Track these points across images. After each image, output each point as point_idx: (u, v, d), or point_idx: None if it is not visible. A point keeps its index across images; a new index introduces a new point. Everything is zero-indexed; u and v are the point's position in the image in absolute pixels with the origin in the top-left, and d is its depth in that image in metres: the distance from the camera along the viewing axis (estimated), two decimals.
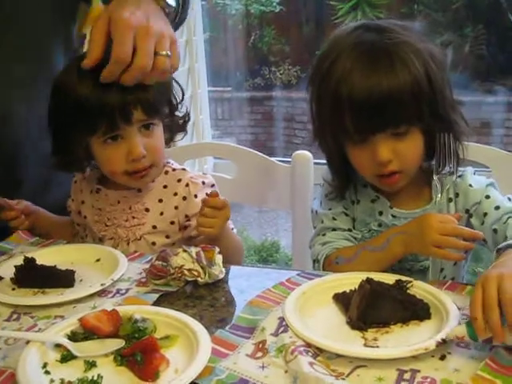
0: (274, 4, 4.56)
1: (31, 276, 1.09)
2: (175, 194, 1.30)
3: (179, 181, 1.30)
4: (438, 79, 1.09)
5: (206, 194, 1.20)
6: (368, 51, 1.09)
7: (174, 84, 1.32)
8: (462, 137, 1.15)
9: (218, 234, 1.18)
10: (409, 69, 1.06)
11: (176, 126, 1.34)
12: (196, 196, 1.28)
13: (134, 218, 1.30)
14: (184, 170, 1.34)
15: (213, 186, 1.33)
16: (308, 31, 4.59)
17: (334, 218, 1.21)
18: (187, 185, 1.29)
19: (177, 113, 1.33)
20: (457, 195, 1.17)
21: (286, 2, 4.57)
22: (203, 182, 1.31)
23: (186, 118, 1.36)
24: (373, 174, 1.13)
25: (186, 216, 1.29)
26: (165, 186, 1.31)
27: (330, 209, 1.22)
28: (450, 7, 4.02)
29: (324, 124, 1.15)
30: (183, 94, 1.35)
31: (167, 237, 1.31)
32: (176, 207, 1.29)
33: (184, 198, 1.29)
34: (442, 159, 1.11)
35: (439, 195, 1.13)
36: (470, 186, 1.16)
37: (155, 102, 1.22)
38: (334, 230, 1.20)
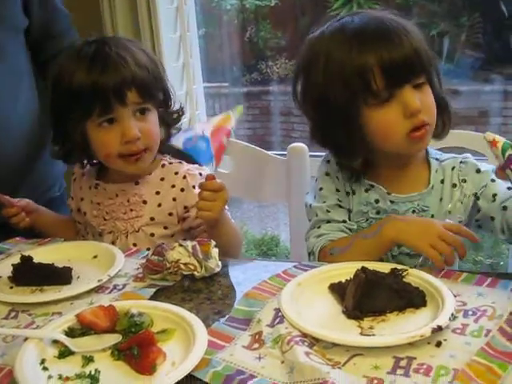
0: None
1: (29, 274, 1.09)
2: (173, 186, 1.31)
3: (176, 173, 1.32)
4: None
5: (182, 190, 1.25)
6: (373, 27, 1.12)
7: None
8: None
9: (218, 217, 1.19)
10: (414, 33, 1.12)
11: (170, 119, 1.35)
12: (194, 187, 1.29)
13: (131, 210, 1.31)
14: (181, 163, 1.36)
15: None
16: (304, 24, 4.58)
17: (328, 211, 1.21)
18: (184, 177, 1.31)
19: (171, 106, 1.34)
20: (463, 181, 1.18)
21: None
22: (200, 174, 1.32)
23: (180, 112, 1.37)
24: (404, 130, 1.10)
25: (185, 207, 1.31)
26: (162, 179, 1.32)
27: (324, 202, 1.22)
28: None
29: (337, 100, 1.11)
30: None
31: (165, 228, 1.32)
32: (174, 199, 1.31)
33: (182, 190, 1.30)
34: (445, 119, 1.16)
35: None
36: (478, 170, 1.18)
37: (149, 85, 1.25)
38: (328, 222, 1.20)
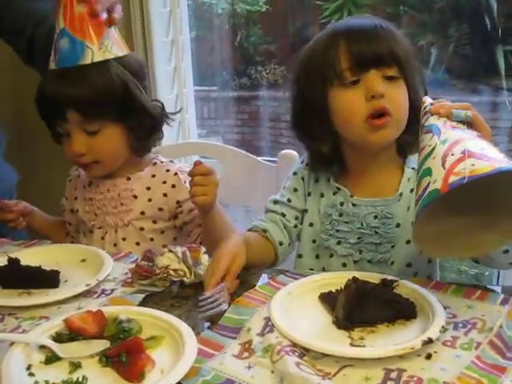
0: (261, 3, 4.55)
1: (15, 277, 1.08)
2: (164, 182, 1.34)
3: (168, 170, 1.36)
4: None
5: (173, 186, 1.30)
6: (359, 24, 1.17)
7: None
8: None
9: (212, 202, 1.20)
10: (398, 36, 1.15)
11: (141, 133, 1.32)
12: (185, 182, 1.31)
13: (122, 204, 1.34)
14: (172, 161, 1.40)
15: None
16: (294, 31, 4.59)
17: (275, 202, 1.27)
18: (176, 174, 1.34)
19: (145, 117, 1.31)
20: None
21: (272, 2, 4.56)
22: None
23: (156, 122, 1.34)
24: (363, 112, 1.11)
25: (178, 202, 1.33)
26: (153, 176, 1.35)
27: (279, 195, 1.27)
28: (434, 7, 4.04)
29: (313, 80, 1.17)
30: (155, 103, 1.36)
31: (154, 222, 1.34)
32: (165, 194, 1.33)
33: (173, 186, 1.33)
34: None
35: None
36: None
37: (92, 104, 1.24)
38: (269, 211, 1.26)
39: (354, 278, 0.92)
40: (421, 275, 1.17)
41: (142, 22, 1.93)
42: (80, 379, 0.79)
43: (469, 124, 0.92)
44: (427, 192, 0.83)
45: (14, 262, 1.09)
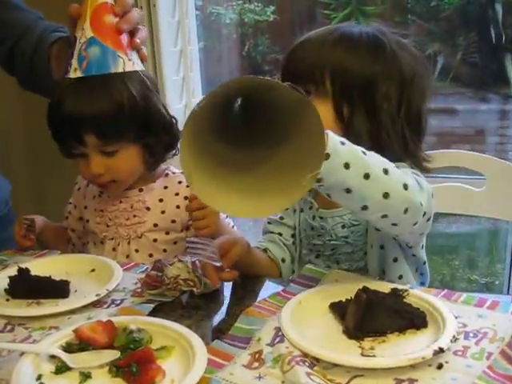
0: (268, 13, 4.56)
1: (25, 287, 1.08)
2: (176, 194, 1.34)
3: (180, 182, 1.35)
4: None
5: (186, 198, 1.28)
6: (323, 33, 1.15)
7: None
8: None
9: (216, 230, 1.19)
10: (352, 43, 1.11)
11: (158, 147, 1.31)
12: None
13: (135, 216, 1.33)
14: (183, 172, 1.36)
15: None
16: None
17: (269, 223, 1.28)
18: (188, 186, 1.32)
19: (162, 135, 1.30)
20: None
21: (280, 11, 4.57)
22: None
23: (174, 136, 1.33)
24: None
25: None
26: (165, 187, 1.35)
27: (274, 215, 1.26)
28: (441, 16, 4.04)
29: None
30: (172, 119, 1.34)
31: (167, 233, 1.33)
32: (178, 206, 1.33)
33: (185, 198, 1.32)
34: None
35: None
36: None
37: (111, 128, 1.22)
38: (267, 232, 1.27)
39: (364, 287, 0.91)
40: (389, 275, 1.15)
41: (150, 32, 1.94)
42: None
43: None
44: None
45: (23, 272, 1.09)
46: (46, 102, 1.26)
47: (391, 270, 1.16)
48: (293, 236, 1.26)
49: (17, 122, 2.30)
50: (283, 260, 1.24)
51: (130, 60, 1.21)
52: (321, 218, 1.19)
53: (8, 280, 1.09)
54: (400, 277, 1.16)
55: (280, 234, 1.26)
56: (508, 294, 1.68)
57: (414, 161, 1.13)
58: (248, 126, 0.90)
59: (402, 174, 0.95)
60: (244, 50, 4.70)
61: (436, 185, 1.32)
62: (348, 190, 0.90)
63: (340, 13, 4.11)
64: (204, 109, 0.81)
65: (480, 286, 3.04)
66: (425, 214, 1.00)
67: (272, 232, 1.27)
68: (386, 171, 0.92)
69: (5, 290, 1.09)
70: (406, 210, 0.94)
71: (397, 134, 1.11)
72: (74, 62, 1.20)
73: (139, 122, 1.25)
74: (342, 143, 0.89)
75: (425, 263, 1.22)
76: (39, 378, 0.82)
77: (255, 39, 4.72)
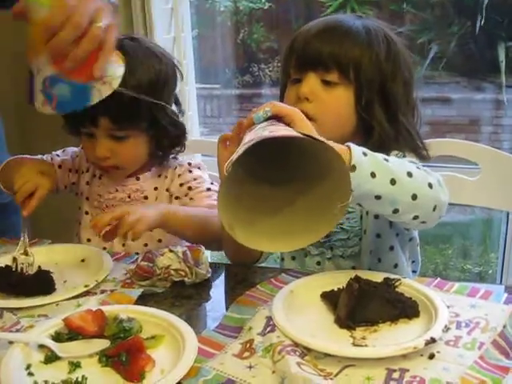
0: (263, 1, 4.53)
1: (9, 285, 1.05)
2: (165, 177, 1.35)
3: (175, 168, 1.36)
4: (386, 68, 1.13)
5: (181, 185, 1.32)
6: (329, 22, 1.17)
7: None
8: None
9: (149, 225, 1.14)
10: (355, 41, 1.12)
11: (166, 140, 1.31)
12: (179, 176, 1.34)
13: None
14: (175, 158, 1.39)
15: (199, 167, 1.37)
16: (297, 28, 4.56)
17: None
18: (175, 168, 1.35)
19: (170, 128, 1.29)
20: None
21: None
22: (189, 163, 1.37)
23: (182, 133, 1.32)
24: None
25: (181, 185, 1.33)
26: (159, 175, 1.36)
27: None
28: (437, 4, 4.02)
29: (281, 73, 1.21)
30: (181, 112, 1.35)
31: None
32: (167, 189, 1.34)
33: (180, 185, 1.34)
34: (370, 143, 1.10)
35: None
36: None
37: (127, 114, 1.21)
38: None
39: (356, 276, 0.91)
40: (384, 264, 1.16)
41: (143, 19, 1.92)
42: (79, 379, 0.79)
43: (277, 118, 0.92)
44: None
45: (6, 271, 1.07)
46: None
47: (387, 259, 1.16)
48: None
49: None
50: None
51: (104, 83, 1.02)
52: None
53: None
54: (395, 265, 1.17)
55: None
56: (501, 283, 1.68)
57: (414, 149, 1.15)
58: (278, 168, 0.92)
59: (424, 173, 0.98)
60: (238, 37, 4.68)
61: None
62: (378, 197, 0.92)
63: (335, 1, 4.08)
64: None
65: (473, 275, 3.05)
66: None
67: None
68: (409, 174, 0.94)
69: None
70: (434, 208, 0.97)
71: (407, 123, 1.15)
72: (40, 97, 1.03)
73: (154, 110, 1.24)
74: (365, 154, 0.91)
75: (418, 245, 1.25)
76: (28, 367, 0.81)
77: (250, 27, 4.69)
